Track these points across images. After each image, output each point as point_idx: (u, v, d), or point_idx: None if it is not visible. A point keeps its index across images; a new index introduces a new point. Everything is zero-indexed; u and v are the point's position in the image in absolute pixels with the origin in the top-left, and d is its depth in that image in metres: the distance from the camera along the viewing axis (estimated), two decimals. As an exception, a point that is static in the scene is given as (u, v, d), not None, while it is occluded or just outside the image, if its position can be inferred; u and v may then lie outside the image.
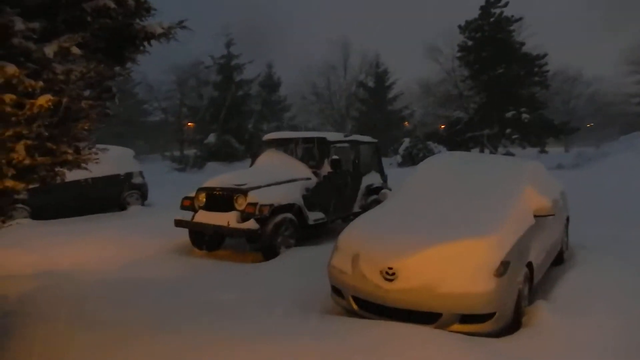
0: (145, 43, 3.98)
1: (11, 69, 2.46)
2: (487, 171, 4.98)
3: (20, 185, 3.14)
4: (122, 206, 10.56)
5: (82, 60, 3.22)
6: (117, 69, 4.04)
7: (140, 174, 11.16)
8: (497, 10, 27.64)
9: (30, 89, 2.63)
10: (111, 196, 10.37)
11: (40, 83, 2.64)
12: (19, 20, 2.59)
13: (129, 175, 10.83)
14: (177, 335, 3.26)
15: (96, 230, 7.62)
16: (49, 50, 2.76)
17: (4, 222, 3.31)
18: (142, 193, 11.06)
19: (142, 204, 11.01)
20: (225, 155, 29.07)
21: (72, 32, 2.97)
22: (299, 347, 2.97)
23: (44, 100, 2.68)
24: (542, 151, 25.84)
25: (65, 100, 3.12)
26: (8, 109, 2.60)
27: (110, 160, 10.22)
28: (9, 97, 2.55)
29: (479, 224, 3.90)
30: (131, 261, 6.08)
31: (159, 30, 3.87)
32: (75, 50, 2.87)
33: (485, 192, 4.45)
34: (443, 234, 3.80)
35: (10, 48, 2.66)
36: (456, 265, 3.59)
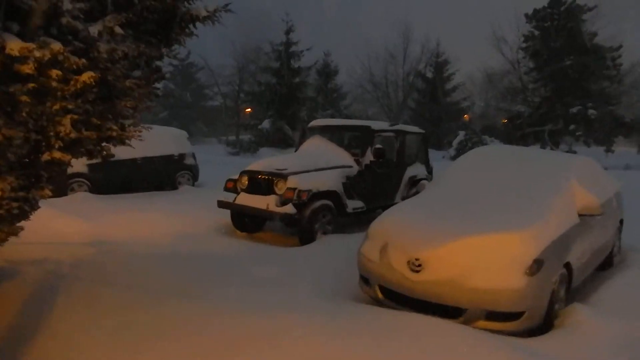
0: (191, 25, 4.12)
1: (56, 46, 2.62)
2: (530, 165, 4.76)
3: (68, 157, 3.36)
4: (173, 185, 11.02)
5: (129, 40, 3.39)
6: (164, 50, 4.21)
7: (193, 155, 11.58)
8: (569, -1, 26.01)
9: (75, 66, 2.79)
10: (164, 175, 10.84)
11: (84, 60, 2.80)
12: (67, 1, 2.76)
13: (182, 156, 11.27)
14: (202, 303, 3.43)
15: (148, 206, 8.02)
16: (94, 29, 2.93)
17: (52, 191, 3.55)
18: (193, 174, 11.48)
19: (193, 185, 11.44)
20: (278, 141, 29.57)
21: (118, 13, 3.13)
22: (311, 323, 3.04)
23: (87, 76, 2.84)
24: (608, 150, 24.13)
25: (110, 78, 3.31)
26: (54, 83, 2.78)
27: (165, 141, 10.79)
28: (55, 73, 2.72)
29: (514, 219, 3.76)
30: (177, 237, 6.36)
31: (204, 13, 3.98)
32: (118, 29, 3.02)
33: (525, 187, 4.26)
34: (474, 227, 3.70)
35: (59, 27, 2.85)
36: (486, 259, 3.48)
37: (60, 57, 2.72)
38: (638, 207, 7.31)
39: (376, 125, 7.89)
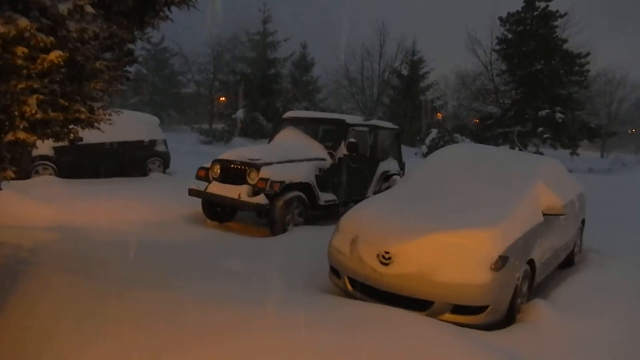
0: (166, 9, 4.02)
1: (23, 22, 2.51)
2: (498, 164, 4.88)
3: (32, 138, 3.24)
4: (143, 172, 10.79)
5: (100, 20, 3.28)
6: (137, 33, 4.10)
7: (164, 142, 11.36)
8: (542, 4, 26.61)
9: (42, 44, 2.69)
10: (134, 161, 10.59)
11: (52, 39, 2.69)
12: (34, -25, 2.65)
13: (153, 143, 11.03)
14: (168, 293, 3.38)
15: (116, 192, 7.84)
16: (64, 7, 2.81)
17: (16, 173, 3.42)
18: (164, 161, 11.25)
19: (164, 172, 11.23)
20: (252, 131, 29.32)
21: (89, -9, 3.02)
22: (280, 314, 3.05)
23: (55, 55, 2.74)
24: (573, 153, 24.98)
25: (79, 58, 3.20)
26: (20, 61, 2.67)
27: (136, 126, 10.53)
28: (20, 50, 2.62)
29: (482, 216, 3.85)
30: (145, 224, 6.25)
31: (179, -3, 3.90)
32: (89, 9, 2.92)
33: (494, 185, 4.37)
34: (443, 223, 3.77)
35: (26, 2, 2.73)
36: (453, 254, 3.56)
37: (27, 34, 2.61)
38: (599, 210, 7.59)
39: (351, 119, 7.92)
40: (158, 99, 40.96)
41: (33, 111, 3.01)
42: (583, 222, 6.07)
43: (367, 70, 40.69)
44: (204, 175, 6.87)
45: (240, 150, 7.09)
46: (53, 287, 3.49)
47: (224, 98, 36.83)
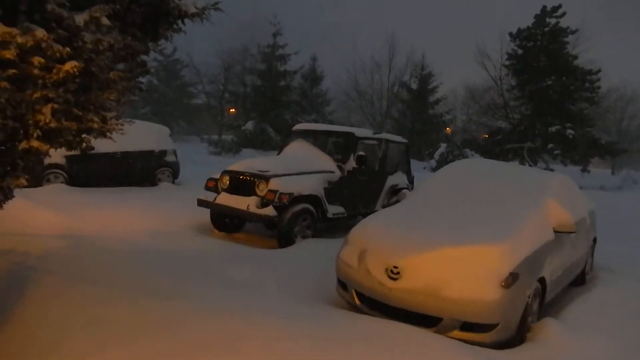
0: (179, 22, 4.08)
1: (40, 32, 2.56)
2: (509, 180, 4.84)
3: (45, 147, 3.27)
4: (153, 182, 10.85)
5: (115, 31, 3.33)
6: (150, 44, 4.16)
7: (174, 152, 11.42)
8: (553, 20, 26.64)
9: (57, 55, 2.73)
10: (144, 171, 10.65)
11: (67, 49, 2.73)
12: (53, -13, 2.70)
13: (163, 153, 11.10)
14: (174, 302, 3.38)
15: (125, 202, 7.88)
16: (80, 18, 2.87)
17: (28, 180, 3.45)
18: (173, 171, 11.31)
19: (173, 182, 11.27)
20: (261, 143, 29.46)
21: (105, 3, 3.07)
22: (285, 326, 3.02)
23: (70, 66, 2.78)
24: (584, 170, 24.75)
25: (94, 69, 3.24)
26: (36, 71, 2.71)
27: (146, 136, 10.61)
28: (37, 60, 2.66)
29: (492, 232, 3.81)
30: (153, 234, 6.26)
31: (192, 10, 3.94)
32: (105, 20, 2.96)
33: (504, 201, 4.33)
34: (453, 237, 3.73)
35: (44, 13, 2.78)
36: (463, 270, 3.51)
37: (44, 45, 2.65)
38: (610, 227, 7.51)
39: (360, 132, 7.93)
40: (168, 110, 41.36)
41: (47, 120, 3.04)
42: (594, 240, 5.99)
43: (377, 83, 40.99)
44: (213, 186, 6.89)
45: (249, 162, 7.12)
46: (60, 294, 3.50)
47: (233, 109, 37.15)
